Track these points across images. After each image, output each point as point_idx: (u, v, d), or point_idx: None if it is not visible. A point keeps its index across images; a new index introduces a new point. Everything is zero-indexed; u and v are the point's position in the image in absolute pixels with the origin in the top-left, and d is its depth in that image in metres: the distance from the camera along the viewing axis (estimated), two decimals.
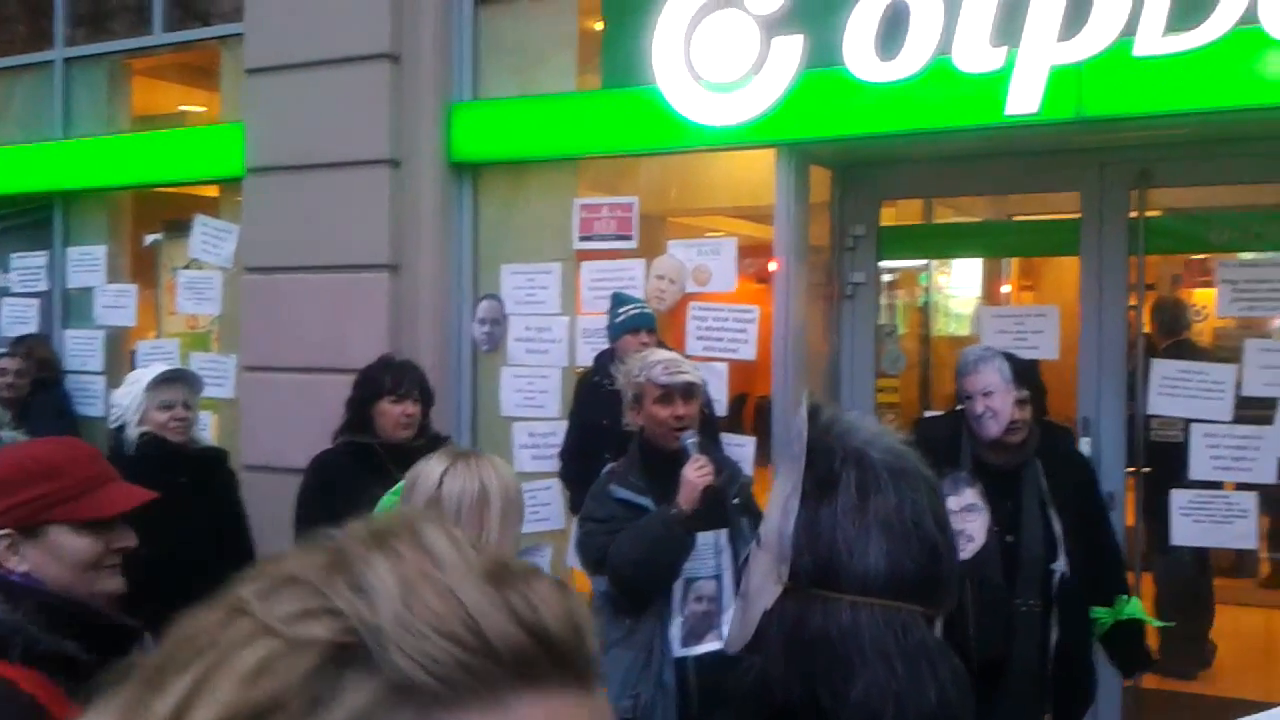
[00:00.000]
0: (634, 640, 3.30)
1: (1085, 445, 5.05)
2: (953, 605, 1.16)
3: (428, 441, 4.15)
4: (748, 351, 5.14)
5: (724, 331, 5.16)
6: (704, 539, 3.40)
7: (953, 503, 3.61)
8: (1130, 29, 4.08)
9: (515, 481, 2.33)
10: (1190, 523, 4.85)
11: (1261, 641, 6.11)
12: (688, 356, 5.00)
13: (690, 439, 3.36)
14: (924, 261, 7.07)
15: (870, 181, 5.45)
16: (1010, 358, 3.72)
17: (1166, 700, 5.08)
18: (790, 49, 4.67)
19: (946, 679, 1.08)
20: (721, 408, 5.10)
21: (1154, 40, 4.06)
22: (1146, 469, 5.19)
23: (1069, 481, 3.65)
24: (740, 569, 3.44)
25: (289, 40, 5.59)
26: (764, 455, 5.12)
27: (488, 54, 5.62)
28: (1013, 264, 8.41)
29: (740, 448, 5.11)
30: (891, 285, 6.63)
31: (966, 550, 3.57)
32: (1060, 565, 3.56)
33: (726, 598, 3.38)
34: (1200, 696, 5.48)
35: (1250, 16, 3.92)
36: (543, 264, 5.53)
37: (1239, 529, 4.78)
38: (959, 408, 3.76)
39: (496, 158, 5.54)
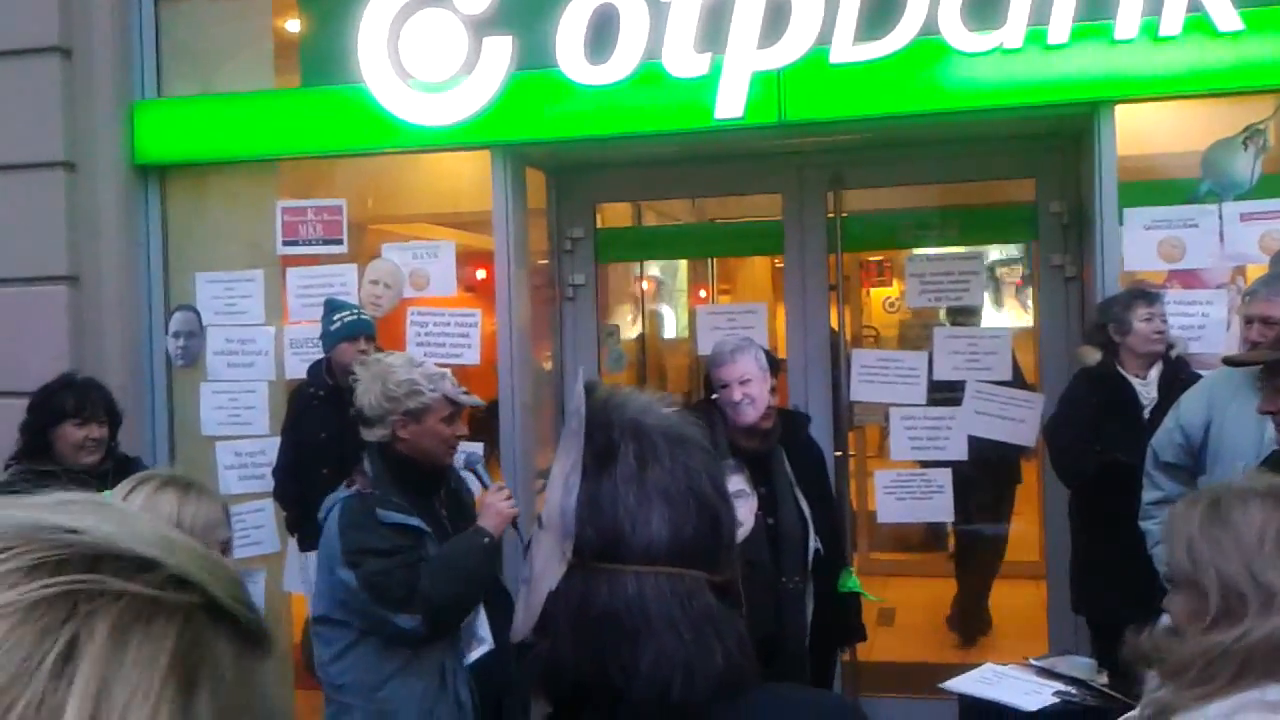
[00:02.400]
0: (420, 667, 3.12)
1: None
2: (734, 570, 1.18)
3: (115, 465, 3.82)
4: (471, 356, 5.04)
5: (445, 337, 5.04)
6: None
7: None
8: (826, 37, 4.30)
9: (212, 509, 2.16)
10: (894, 500, 5.17)
11: (955, 609, 6.60)
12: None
13: (477, 460, 3.27)
14: (640, 263, 7.19)
15: (585, 184, 5.48)
16: (763, 348, 3.86)
17: (873, 669, 5.39)
18: (501, 50, 4.62)
19: (732, 643, 1.09)
20: None
21: (846, 49, 4.29)
22: (853, 453, 5.50)
23: (808, 464, 3.80)
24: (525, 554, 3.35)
25: None
26: (494, 459, 5.04)
27: (173, 50, 5.24)
28: (712, 265, 8.73)
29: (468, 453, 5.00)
30: (611, 287, 6.72)
31: (738, 535, 3.63)
32: (815, 542, 3.70)
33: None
34: (902, 664, 5.86)
35: (932, 28, 4.21)
36: (243, 271, 5.20)
37: (937, 504, 5.15)
38: (713, 397, 3.81)
39: (186, 159, 5.16)
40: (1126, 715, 1.43)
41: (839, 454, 5.38)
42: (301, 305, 5.10)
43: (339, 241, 5.13)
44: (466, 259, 5.31)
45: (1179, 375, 3.78)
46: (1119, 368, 3.95)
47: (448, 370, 3.33)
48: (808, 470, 3.75)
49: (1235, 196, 4.20)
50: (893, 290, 8.18)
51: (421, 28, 4.69)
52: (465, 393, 3.22)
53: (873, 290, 8.49)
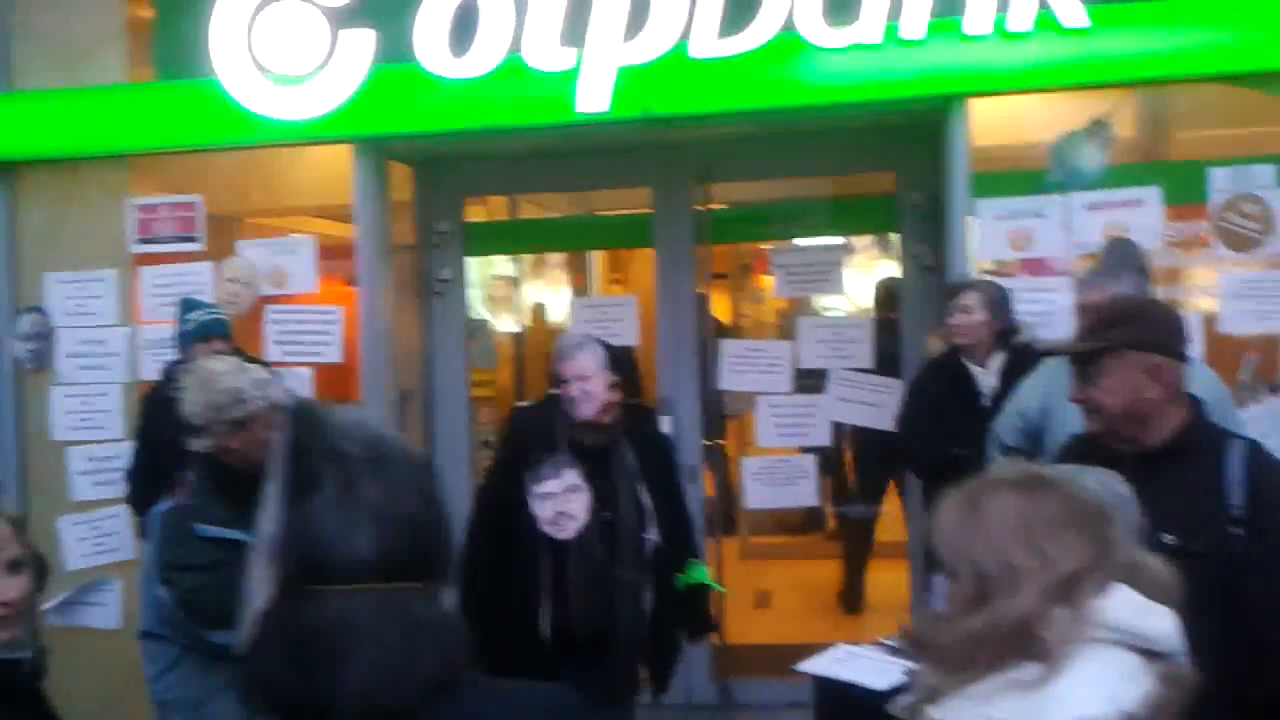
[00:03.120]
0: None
1: (667, 423, 5.34)
2: (450, 575, 1.27)
3: None
4: (332, 354, 4.95)
5: (306, 335, 4.93)
6: None
7: (555, 485, 3.67)
8: (688, 32, 4.33)
9: None
10: (761, 486, 5.26)
11: (831, 591, 6.75)
12: (268, 362, 4.77)
13: None
14: (515, 257, 7.15)
15: (452, 178, 5.43)
16: (605, 345, 3.85)
17: (745, 652, 5.47)
18: (361, 43, 4.54)
19: (449, 645, 1.15)
20: None
21: (708, 43, 4.33)
22: (722, 441, 5.57)
23: (654, 457, 3.83)
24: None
25: None
26: None
27: (22, 42, 5.02)
28: (601, 257, 8.73)
29: None
30: (484, 280, 6.66)
31: (570, 529, 3.65)
32: (652, 535, 3.72)
33: None
34: (773, 646, 5.96)
35: (792, 23, 4.28)
36: (94, 271, 5.02)
37: (803, 489, 5.25)
38: (554, 392, 3.83)
39: (36, 155, 4.97)
40: (900, 699, 1.48)
41: (708, 443, 5.46)
42: (156, 305, 4.95)
43: (194, 239, 4.98)
44: (333, 251, 5.20)
45: (1024, 362, 3.92)
46: (962, 357, 4.09)
47: (278, 373, 3.25)
48: (652, 463, 3.78)
49: (1081, 187, 4.37)
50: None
51: (279, 20, 4.60)
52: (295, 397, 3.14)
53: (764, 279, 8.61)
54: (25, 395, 5.13)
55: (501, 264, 7.29)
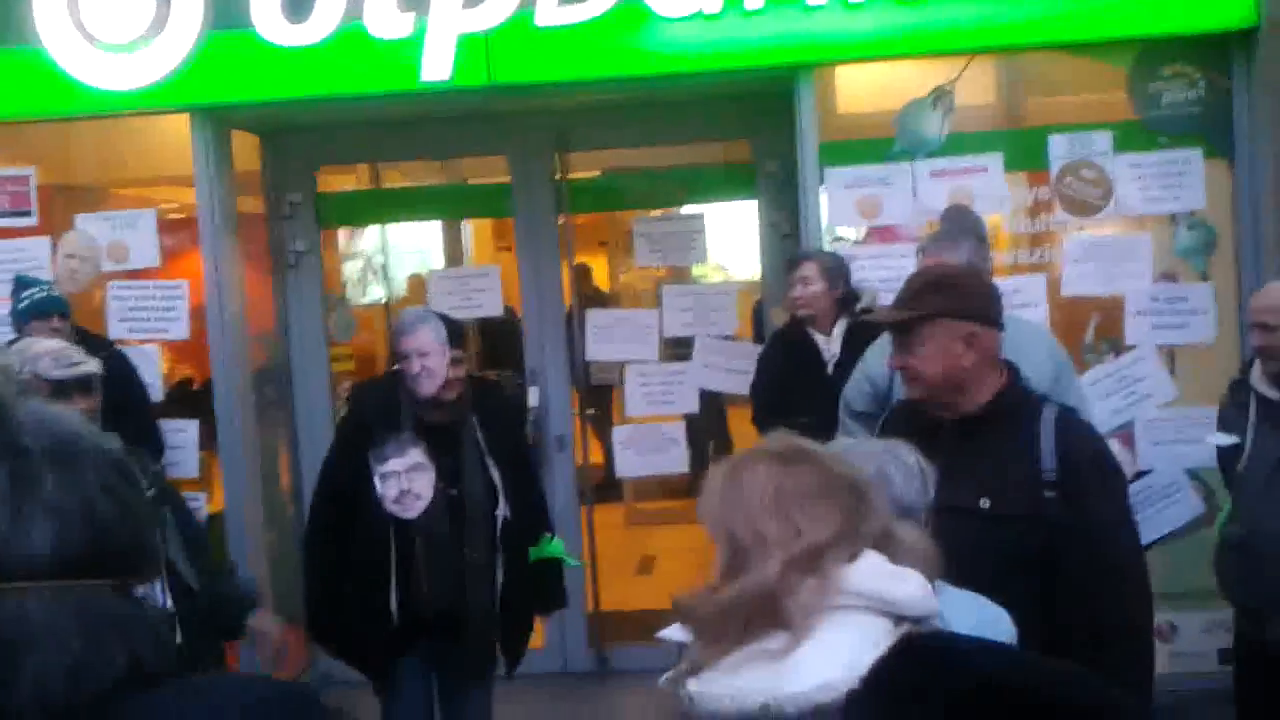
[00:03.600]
0: None
1: (534, 394, 5.31)
2: (152, 570, 1.24)
3: None
4: (179, 330, 4.80)
5: (150, 311, 4.77)
6: None
7: (399, 463, 3.61)
8: (532, 1, 4.25)
9: None
10: (632, 454, 5.25)
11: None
12: (113, 341, 4.61)
13: None
14: (375, 227, 6.99)
15: (301, 148, 5.27)
16: (445, 319, 3.78)
17: (624, 618, 5.49)
18: (192, 9, 4.37)
19: (142, 640, 1.13)
20: (157, 392, 4.74)
21: (552, 11, 4.26)
22: (591, 410, 5.55)
23: (503, 433, 3.78)
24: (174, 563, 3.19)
25: None
26: (209, 438, 4.83)
27: None
28: (483, 226, 8.59)
29: (181, 432, 4.78)
30: (343, 252, 6.52)
31: (415, 508, 3.59)
32: (502, 511, 3.69)
33: (161, 604, 3.12)
34: (653, 612, 5.99)
35: None
36: None
37: (673, 456, 5.26)
38: (395, 369, 3.76)
39: None
40: (666, 674, 1.48)
41: (591, 412, 5.44)
42: None
43: (27, 213, 4.77)
44: (180, 224, 5.02)
45: (867, 328, 3.96)
46: (806, 327, 4.12)
47: (66, 344, 3.12)
48: (501, 438, 3.74)
49: (926, 154, 4.42)
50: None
51: None
52: (70, 365, 3.02)
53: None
54: None
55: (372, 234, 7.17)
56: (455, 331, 3.66)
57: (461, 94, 4.49)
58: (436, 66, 4.31)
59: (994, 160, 4.36)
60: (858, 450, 2.07)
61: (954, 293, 2.61)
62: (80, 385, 3.02)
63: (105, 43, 4.40)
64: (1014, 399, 2.60)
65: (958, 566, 2.35)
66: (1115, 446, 4.33)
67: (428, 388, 3.56)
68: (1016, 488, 2.47)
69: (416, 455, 3.61)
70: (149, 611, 1.20)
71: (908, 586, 1.43)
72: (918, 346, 2.58)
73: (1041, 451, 2.49)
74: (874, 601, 1.41)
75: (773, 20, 4.26)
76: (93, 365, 3.09)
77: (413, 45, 4.34)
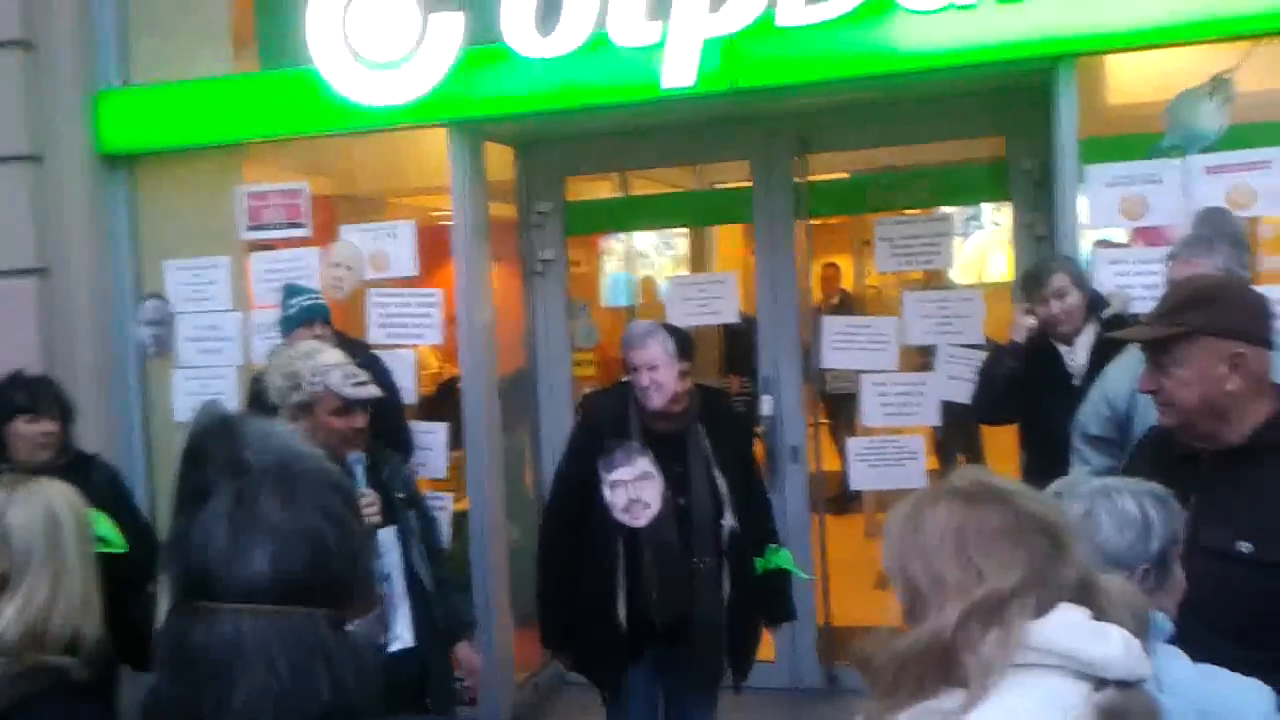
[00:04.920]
0: None
1: (768, 403, 5.24)
2: (368, 602, 1.21)
3: (71, 461, 3.83)
4: (433, 336, 5.02)
5: (407, 318, 5.00)
6: None
7: (627, 472, 3.65)
8: (774, 1, 4.18)
9: (82, 502, 2.17)
10: (866, 467, 5.10)
11: None
12: (371, 346, 4.87)
13: (357, 461, 3.22)
14: (624, 235, 7.13)
15: (550, 157, 5.42)
16: (674, 331, 3.80)
17: (854, 635, 5.33)
18: (451, 25, 4.55)
19: (347, 675, 1.11)
20: (411, 395, 4.97)
21: (796, 11, 4.17)
22: (826, 420, 5.42)
23: (729, 442, 3.75)
24: (409, 565, 3.33)
25: None
26: (456, 440, 5.03)
27: (135, 37, 5.21)
28: (734, 231, 8.59)
29: (431, 434, 5.00)
30: (585, 260, 6.67)
31: (644, 517, 3.62)
32: (729, 521, 3.66)
33: (399, 595, 3.27)
34: (885, 628, 5.80)
35: None
36: (209, 258, 5.20)
37: (910, 470, 5.07)
38: (625, 380, 3.80)
39: (151, 147, 5.15)
40: None
41: (813, 423, 5.33)
42: (266, 290, 5.08)
43: (301, 225, 5.10)
44: (437, 233, 5.25)
45: (1115, 341, 3.67)
46: (1050, 339, 3.86)
47: (346, 359, 3.26)
48: (727, 447, 3.70)
49: (1200, 149, 4.05)
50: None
51: (371, 5, 4.64)
52: (359, 384, 3.15)
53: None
54: (149, 379, 5.35)
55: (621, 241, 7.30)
56: (684, 344, 3.66)
57: (704, 99, 4.47)
58: (679, 72, 4.31)
59: (1278, 154, 3.94)
60: (1072, 490, 1.90)
61: (1218, 307, 2.35)
62: (364, 405, 3.18)
63: (370, 60, 4.65)
64: None
65: (1211, 616, 2.13)
66: None
67: (656, 401, 3.58)
68: None
69: (645, 464, 3.63)
70: (359, 645, 1.18)
71: (1109, 645, 1.27)
72: (1174, 367, 2.35)
73: None
74: (1067, 660, 1.26)
75: (1031, 9, 4.01)
76: (376, 389, 3.22)
77: (656, 52, 4.36)
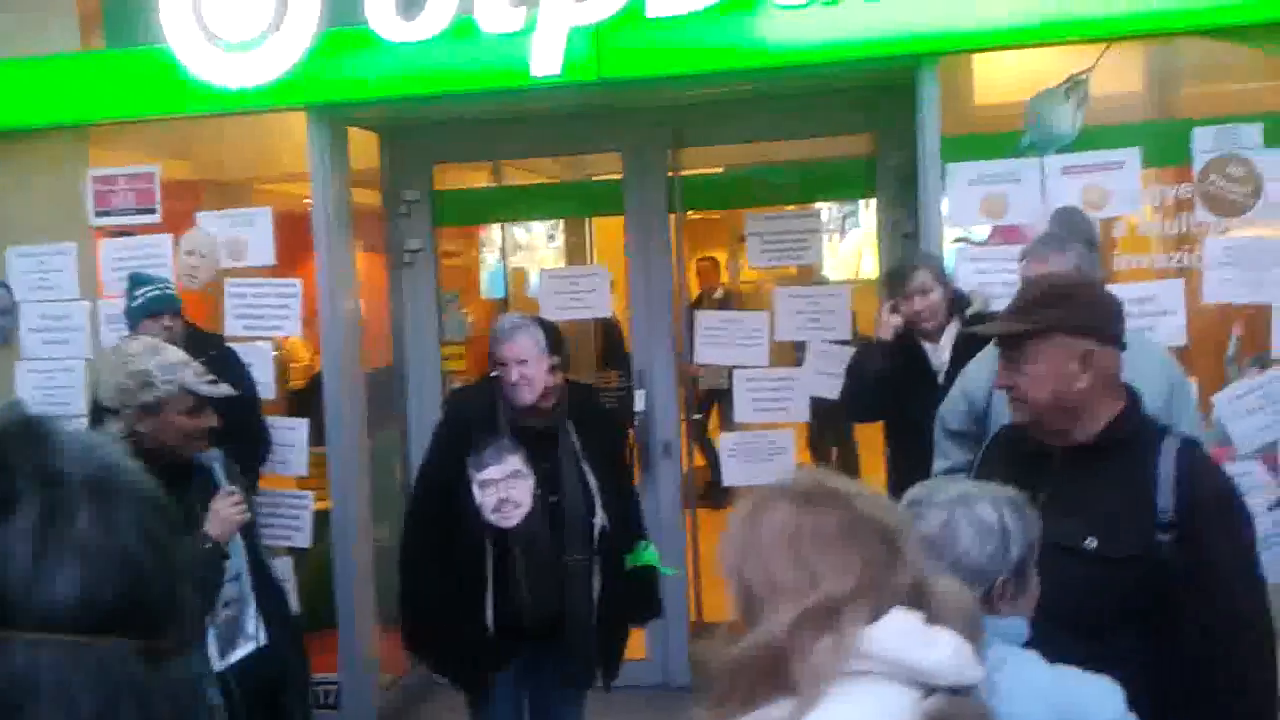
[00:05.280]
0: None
1: (640, 398, 5.20)
2: (188, 635, 1.06)
3: None
4: (292, 327, 4.86)
5: (265, 309, 4.82)
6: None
7: (497, 471, 3.56)
8: None
9: None
10: (738, 463, 5.09)
11: None
12: (227, 338, 4.68)
13: (215, 459, 3.06)
14: (498, 225, 7.01)
15: (418, 145, 5.27)
16: (544, 325, 3.72)
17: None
18: (309, 6, 4.38)
19: (164, 713, 0.99)
20: (269, 390, 4.80)
21: (664, 1, 4.13)
22: (698, 415, 5.41)
23: (599, 438, 3.69)
24: (257, 563, 3.19)
25: None
26: (317, 435, 4.87)
27: None
28: (612, 224, 8.53)
29: (291, 430, 4.84)
30: (457, 251, 6.54)
31: (515, 516, 3.54)
32: (600, 518, 3.60)
33: (246, 595, 3.13)
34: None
35: None
36: (55, 244, 4.94)
37: (780, 465, 5.08)
38: (493, 374, 3.71)
39: None
40: None
41: (697, 417, 5.32)
42: (117, 279, 4.83)
43: (152, 211, 4.88)
44: (297, 220, 5.07)
45: (975, 337, 3.72)
46: (914, 334, 3.90)
47: (188, 358, 3.11)
48: (597, 444, 3.65)
49: (1057, 150, 4.13)
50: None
51: None
52: (211, 382, 3.01)
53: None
54: None
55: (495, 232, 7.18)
56: (554, 339, 3.58)
57: (573, 89, 4.40)
58: (546, 61, 4.23)
59: (1131, 155, 4.05)
60: (930, 498, 1.88)
61: (1072, 305, 2.38)
62: (217, 403, 3.03)
63: (225, 41, 4.45)
64: (1131, 427, 2.35)
65: (1061, 611, 2.15)
66: (1258, 468, 4.00)
67: (526, 396, 3.50)
68: (1128, 527, 2.23)
69: (515, 462, 3.54)
70: (177, 682, 1.05)
71: (939, 651, 1.24)
72: (1027, 364, 2.36)
73: (1159, 488, 2.24)
74: (896, 668, 1.23)
75: (893, 6, 4.04)
76: (228, 386, 3.08)
77: (523, 40, 4.27)
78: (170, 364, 3.00)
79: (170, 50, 4.52)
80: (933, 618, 1.28)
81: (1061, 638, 2.15)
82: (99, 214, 4.92)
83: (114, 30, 4.72)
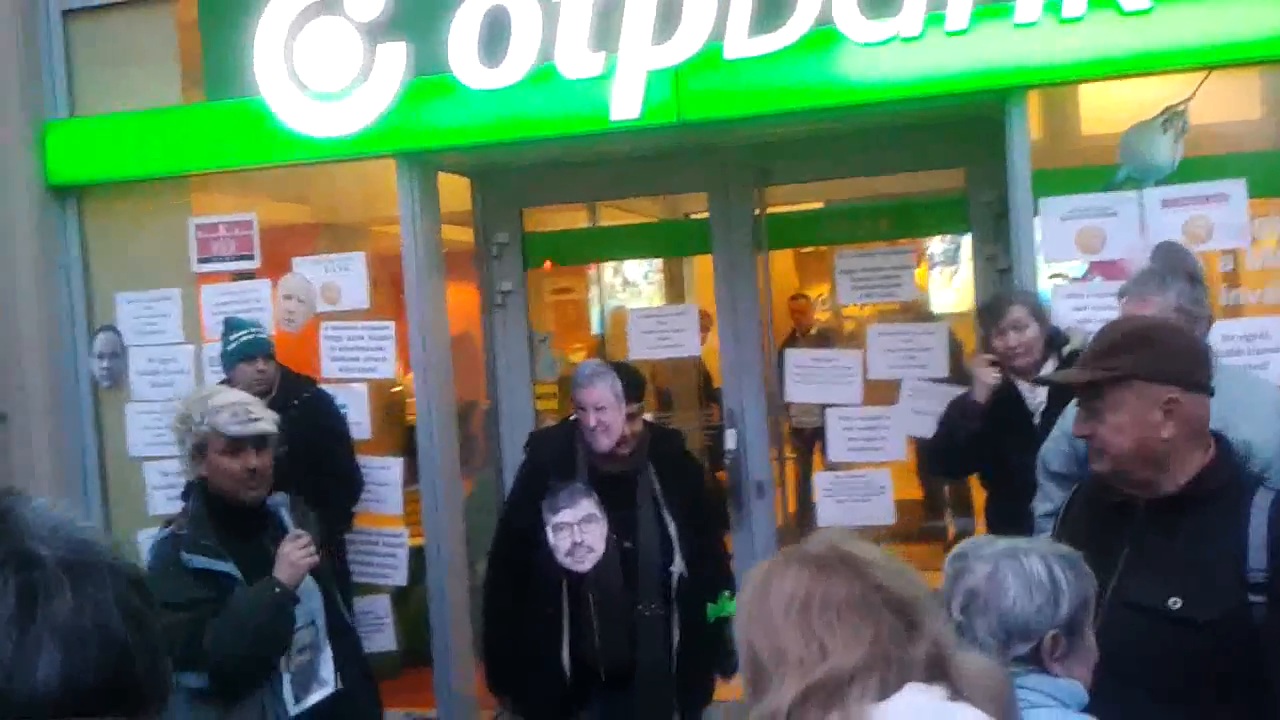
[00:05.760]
0: (237, 717, 3.00)
1: (731, 437, 5.14)
2: (160, 705, 1.03)
3: None
4: (386, 370, 4.93)
5: (360, 350, 4.91)
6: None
7: (570, 514, 3.56)
8: (720, 32, 4.11)
9: None
10: (834, 503, 4.99)
11: None
12: (324, 379, 4.78)
13: (280, 504, 3.12)
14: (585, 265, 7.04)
15: (506, 188, 5.33)
16: (625, 371, 3.72)
17: None
18: (395, 56, 4.48)
19: None
20: (365, 430, 4.88)
21: (741, 42, 4.10)
22: (791, 455, 5.33)
23: (680, 484, 3.65)
24: (331, 607, 3.23)
25: None
26: (411, 475, 4.93)
27: (83, 68, 5.14)
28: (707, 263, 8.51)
29: (386, 469, 4.91)
30: (555, 289, 6.59)
31: (587, 561, 3.53)
32: (678, 567, 3.56)
33: (322, 640, 3.17)
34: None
35: (827, 18, 4.02)
36: (161, 290, 5.11)
37: (878, 506, 4.96)
38: (572, 418, 3.71)
39: (99, 178, 5.07)
40: None
41: (778, 457, 5.23)
42: (218, 323, 4.98)
43: (250, 257, 5.02)
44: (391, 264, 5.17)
45: None
46: (1010, 376, 3.76)
47: (247, 396, 3.18)
48: (679, 490, 3.60)
49: (1156, 182, 3.97)
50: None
51: (316, 36, 4.57)
52: (248, 421, 3.05)
53: None
54: (103, 413, 5.25)
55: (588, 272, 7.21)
56: (634, 384, 3.58)
57: (654, 131, 4.40)
58: (625, 105, 4.24)
59: (1236, 187, 3.87)
60: (978, 550, 1.80)
61: (1152, 350, 2.26)
62: (256, 442, 3.09)
63: (315, 91, 4.57)
64: (1221, 479, 2.22)
65: (1143, 676, 2.04)
66: None
67: (603, 443, 3.50)
68: (1216, 587, 2.10)
69: (589, 506, 3.54)
70: None
71: None
72: (1107, 413, 2.25)
73: (1250, 545, 2.11)
74: None
75: (978, 41, 3.94)
76: (269, 424, 3.13)
77: (603, 84, 4.29)
78: (212, 407, 3.07)
79: (264, 101, 4.66)
80: (956, 695, 1.21)
81: (1144, 705, 2.04)
82: (201, 260, 5.09)
83: (213, 83, 4.89)
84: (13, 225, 5.00)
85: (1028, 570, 1.75)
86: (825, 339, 7.43)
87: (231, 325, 4.44)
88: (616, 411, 3.50)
